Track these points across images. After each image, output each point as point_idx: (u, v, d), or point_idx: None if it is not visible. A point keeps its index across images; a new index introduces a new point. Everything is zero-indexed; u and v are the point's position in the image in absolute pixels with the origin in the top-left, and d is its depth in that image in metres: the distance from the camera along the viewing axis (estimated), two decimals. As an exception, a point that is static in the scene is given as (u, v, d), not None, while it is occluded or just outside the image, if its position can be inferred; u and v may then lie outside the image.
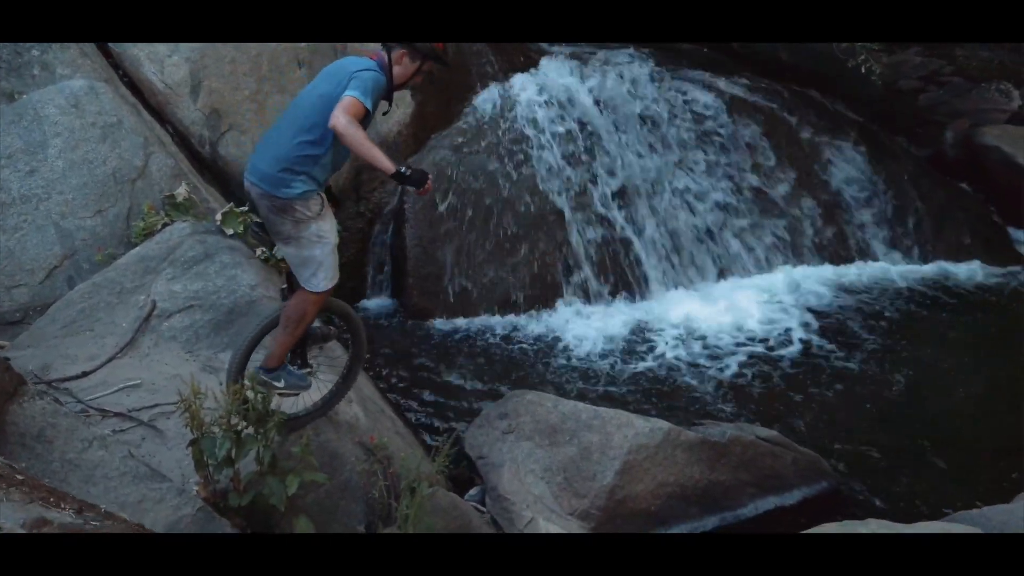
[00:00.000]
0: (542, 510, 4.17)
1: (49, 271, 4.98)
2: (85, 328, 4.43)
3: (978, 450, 5.17)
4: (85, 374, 4.07)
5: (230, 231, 5.07)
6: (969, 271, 7.65)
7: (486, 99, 7.15)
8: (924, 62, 9.47)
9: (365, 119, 3.44)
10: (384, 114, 3.92)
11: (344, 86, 3.41)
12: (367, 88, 3.41)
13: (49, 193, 5.09)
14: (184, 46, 6.04)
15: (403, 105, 6.78)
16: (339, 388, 3.99)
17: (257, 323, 3.81)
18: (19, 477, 2.59)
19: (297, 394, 3.82)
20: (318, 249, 3.56)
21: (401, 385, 5.78)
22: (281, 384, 3.70)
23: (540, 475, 4.35)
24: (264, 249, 5.08)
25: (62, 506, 2.51)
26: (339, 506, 3.55)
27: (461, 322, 6.52)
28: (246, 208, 5.19)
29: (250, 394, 3.12)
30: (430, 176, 3.49)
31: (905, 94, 9.65)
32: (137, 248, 4.90)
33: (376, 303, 6.76)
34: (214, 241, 4.91)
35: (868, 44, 7.98)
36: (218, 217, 5.08)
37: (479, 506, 4.41)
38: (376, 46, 3.75)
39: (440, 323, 6.51)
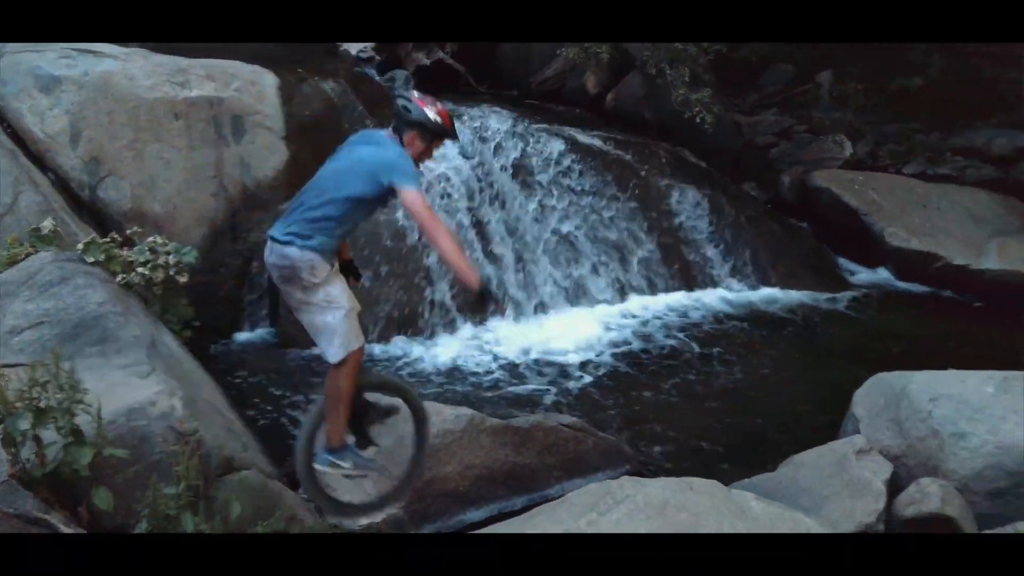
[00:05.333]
0: (360, 494, 4.34)
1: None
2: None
3: (773, 434, 5.54)
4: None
5: (91, 259, 5.26)
6: (802, 296, 8.14)
7: (358, 148, 7.51)
8: (778, 120, 10.24)
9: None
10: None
11: (393, 172, 3.42)
12: (418, 177, 3.49)
13: (-82, 226, 5.25)
14: (65, 99, 6.32)
15: (277, 152, 7.10)
16: (405, 479, 3.93)
17: (313, 409, 3.78)
18: None
19: (365, 475, 3.80)
20: (329, 315, 3.53)
21: (261, 402, 5.93)
22: (347, 465, 3.69)
23: (362, 465, 4.53)
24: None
25: None
26: (150, 485, 3.70)
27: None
28: (109, 239, 5.42)
29: (50, 368, 3.30)
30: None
31: (760, 148, 10.37)
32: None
33: (254, 334, 6.96)
34: (73, 267, 5.07)
35: (704, 98, 8.59)
36: (80, 246, 5.28)
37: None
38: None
39: (312, 351, 6.67)
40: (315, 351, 6.52)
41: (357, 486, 4.08)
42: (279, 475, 4.57)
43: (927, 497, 3.96)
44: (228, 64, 7.00)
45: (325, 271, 3.53)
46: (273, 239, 3.60)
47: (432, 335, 6.95)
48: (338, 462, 3.65)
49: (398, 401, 4.09)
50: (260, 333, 6.96)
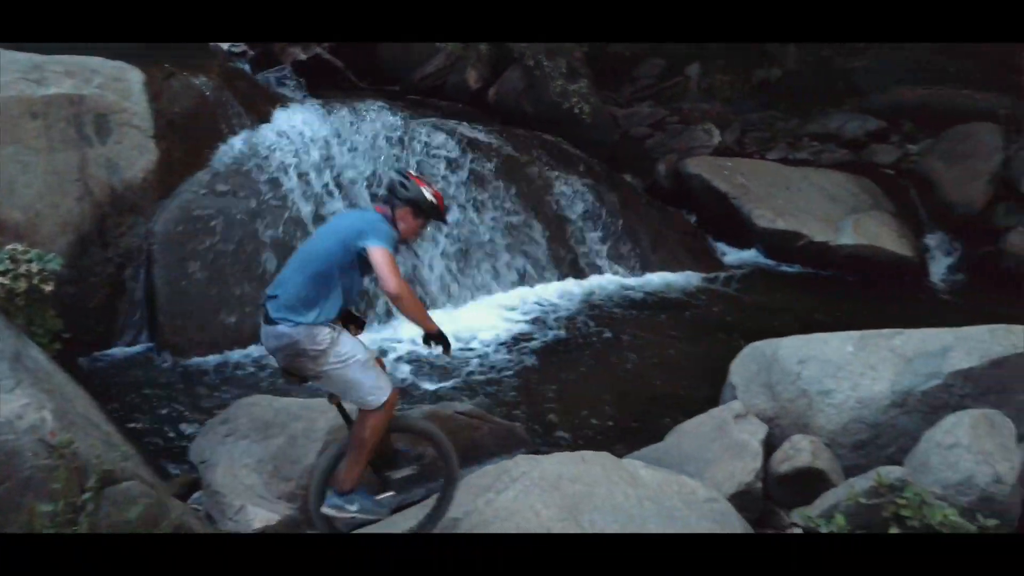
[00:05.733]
0: (252, 497, 4.25)
1: None
2: None
3: (660, 408, 5.76)
4: None
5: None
6: (681, 279, 8.47)
7: (235, 144, 7.28)
8: (652, 112, 10.59)
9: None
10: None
11: (359, 232, 3.44)
12: (391, 239, 3.47)
13: None
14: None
15: (147, 152, 6.78)
16: (432, 515, 3.89)
17: (333, 449, 3.70)
18: None
19: (369, 521, 3.72)
20: (348, 372, 3.51)
21: (142, 414, 5.68)
22: (354, 508, 3.58)
23: (253, 467, 4.43)
24: None
25: None
26: (22, 503, 3.48)
27: (216, 356, 6.49)
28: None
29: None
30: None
31: (636, 139, 10.69)
32: None
33: (132, 346, 6.62)
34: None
35: (582, 89, 8.78)
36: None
37: (197, 506, 4.43)
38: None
39: (195, 359, 6.45)
40: (195, 361, 6.42)
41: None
42: (164, 485, 4.39)
43: (799, 453, 4.21)
44: (88, 60, 6.63)
45: (325, 334, 3.49)
46: (265, 320, 3.55)
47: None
48: (345, 505, 3.57)
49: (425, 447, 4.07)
50: (140, 344, 6.64)
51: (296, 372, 3.60)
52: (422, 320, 3.52)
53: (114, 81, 6.77)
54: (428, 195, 3.63)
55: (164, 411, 5.74)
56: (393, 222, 3.60)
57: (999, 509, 3.69)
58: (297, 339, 3.45)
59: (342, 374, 3.51)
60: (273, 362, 6.21)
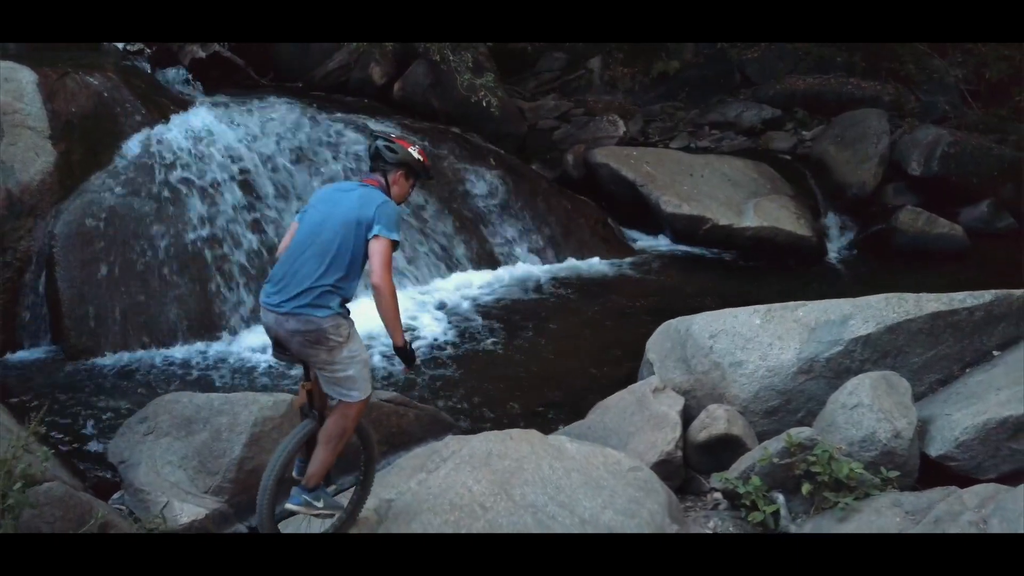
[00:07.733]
0: (178, 493, 4.21)
1: None
2: None
3: (581, 388, 5.95)
4: None
5: None
6: (592, 265, 8.72)
7: (136, 143, 7.10)
8: (557, 104, 10.83)
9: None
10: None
11: (370, 218, 3.34)
12: (397, 227, 3.40)
13: None
14: None
15: (44, 153, 6.55)
16: (358, 497, 3.80)
17: (285, 443, 3.53)
18: None
19: (332, 515, 3.63)
20: (352, 369, 3.44)
21: (55, 418, 5.48)
22: (320, 504, 3.52)
23: (177, 464, 4.39)
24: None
25: None
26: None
27: (125, 356, 6.34)
28: None
29: None
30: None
31: (543, 131, 10.91)
32: None
33: (34, 351, 6.39)
34: None
35: (489, 83, 8.93)
36: None
37: (120, 506, 4.35)
38: None
39: (102, 361, 6.29)
40: (103, 362, 6.26)
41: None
42: (85, 486, 4.30)
43: (715, 421, 4.45)
44: (-26, 61, 6.37)
45: (348, 327, 3.45)
46: (292, 312, 3.39)
47: (236, 332, 6.74)
48: (313, 502, 3.51)
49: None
50: (43, 348, 6.42)
51: (302, 357, 3.50)
52: (394, 327, 3.43)
53: (4, 81, 6.52)
54: (416, 154, 3.62)
55: (74, 414, 5.58)
56: (387, 190, 3.57)
57: (899, 462, 4.00)
58: (324, 327, 3.35)
59: (346, 370, 3.45)
60: (192, 364, 6.31)
